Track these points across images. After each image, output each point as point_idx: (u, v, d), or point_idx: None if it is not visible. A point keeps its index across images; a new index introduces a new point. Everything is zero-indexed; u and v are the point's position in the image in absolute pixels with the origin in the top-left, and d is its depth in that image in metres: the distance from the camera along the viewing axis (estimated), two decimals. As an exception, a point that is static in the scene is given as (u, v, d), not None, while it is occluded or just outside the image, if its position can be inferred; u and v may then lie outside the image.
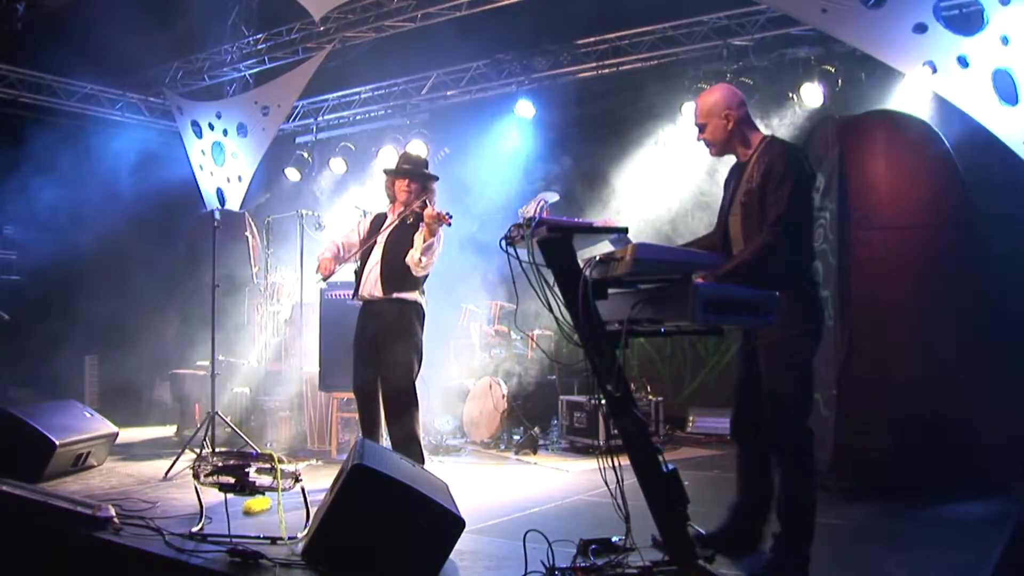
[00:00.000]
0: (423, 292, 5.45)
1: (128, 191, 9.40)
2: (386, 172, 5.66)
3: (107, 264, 9.49)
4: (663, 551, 3.52)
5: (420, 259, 5.24)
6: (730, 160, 3.95)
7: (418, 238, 5.27)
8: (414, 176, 5.47)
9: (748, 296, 3.27)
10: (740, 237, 3.73)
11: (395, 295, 5.32)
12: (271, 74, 9.91)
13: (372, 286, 5.36)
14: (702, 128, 3.85)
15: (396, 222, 5.44)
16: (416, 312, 5.38)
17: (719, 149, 3.86)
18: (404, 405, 5.27)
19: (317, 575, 3.56)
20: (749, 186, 3.67)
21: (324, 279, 5.57)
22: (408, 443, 5.20)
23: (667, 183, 8.03)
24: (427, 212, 5.18)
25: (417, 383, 5.38)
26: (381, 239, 5.43)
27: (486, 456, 7.09)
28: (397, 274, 5.32)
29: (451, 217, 5.17)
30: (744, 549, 3.82)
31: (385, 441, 5.52)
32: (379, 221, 5.60)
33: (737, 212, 3.75)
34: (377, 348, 5.33)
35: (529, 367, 7.77)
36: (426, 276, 5.41)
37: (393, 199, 5.56)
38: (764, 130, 3.91)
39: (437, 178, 5.58)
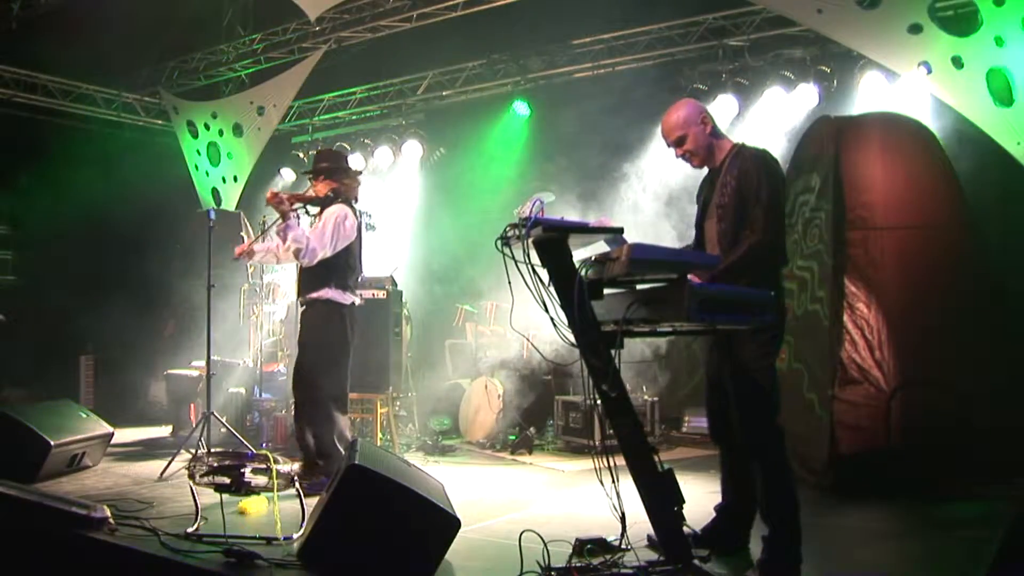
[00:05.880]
0: (336, 286, 5.32)
1: (123, 191, 9.37)
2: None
3: (102, 264, 9.47)
4: (658, 551, 3.53)
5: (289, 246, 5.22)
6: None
7: None
8: (315, 173, 5.54)
9: (743, 295, 3.28)
10: (715, 241, 3.78)
11: (307, 296, 5.39)
12: (267, 74, 9.91)
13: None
14: (680, 141, 3.86)
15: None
16: (326, 310, 5.33)
17: (703, 157, 3.88)
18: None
19: (312, 575, 3.56)
20: (724, 191, 3.73)
21: None
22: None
23: (661, 184, 8.02)
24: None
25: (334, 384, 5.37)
26: None
27: (482, 456, 7.09)
28: (305, 275, 5.39)
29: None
30: (729, 549, 3.84)
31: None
32: None
33: (713, 216, 3.80)
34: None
35: (524, 367, 7.76)
36: (337, 269, 5.31)
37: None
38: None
39: (330, 168, 5.51)
